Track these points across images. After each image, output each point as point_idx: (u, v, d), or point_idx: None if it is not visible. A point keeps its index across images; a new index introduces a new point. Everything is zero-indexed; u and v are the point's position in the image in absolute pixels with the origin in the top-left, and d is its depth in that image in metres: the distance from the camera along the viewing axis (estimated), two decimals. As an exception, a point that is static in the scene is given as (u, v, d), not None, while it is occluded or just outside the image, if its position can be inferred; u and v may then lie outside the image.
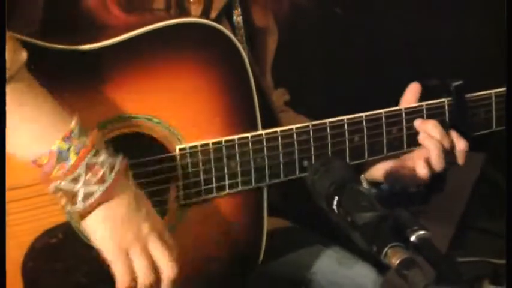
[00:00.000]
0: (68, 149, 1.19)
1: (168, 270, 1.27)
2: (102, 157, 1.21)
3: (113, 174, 1.21)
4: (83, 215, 1.22)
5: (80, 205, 1.21)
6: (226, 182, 1.41)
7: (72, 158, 1.19)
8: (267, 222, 1.48)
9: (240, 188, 1.43)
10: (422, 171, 1.52)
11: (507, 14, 1.49)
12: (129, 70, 1.34)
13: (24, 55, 1.20)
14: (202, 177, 1.40)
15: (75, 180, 1.20)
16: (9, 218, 1.26)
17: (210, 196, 1.41)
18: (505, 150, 1.52)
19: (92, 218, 1.23)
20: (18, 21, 1.31)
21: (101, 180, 1.20)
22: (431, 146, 1.52)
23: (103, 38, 1.33)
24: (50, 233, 1.30)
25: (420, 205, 1.73)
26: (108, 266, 1.27)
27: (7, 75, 1.17)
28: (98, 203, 1.22)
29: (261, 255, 1.48)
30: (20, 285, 1.29)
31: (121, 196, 1.24)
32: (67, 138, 1.19)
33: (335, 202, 1.17)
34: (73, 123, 1.20)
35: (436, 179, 1.60)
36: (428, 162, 1.53)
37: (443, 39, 2.82)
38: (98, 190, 1.21)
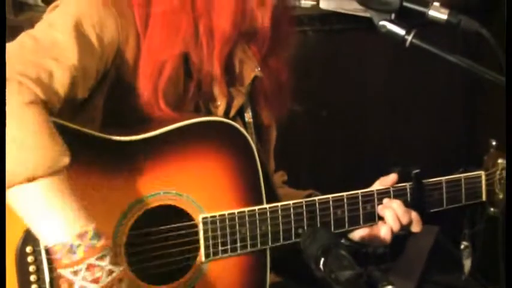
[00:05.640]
0: (79, 246, 1.26)
1: None
2: (104, 262, 1.28)
3: (108, 279, 1.29)
4: None
5: None
6: (238, 245, 1.57)
7: (79, 255, 1.26)
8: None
9: (248, 249, 1.59)
10: (386, 235, 1.71)
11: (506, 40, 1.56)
12: (165, 155, 1.50)
13: (67, 160, 1.28)
14: (219, 240, 1.54)
15: (75, 273, 1.27)
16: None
17: (225, 255, 1.56)
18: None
19: None
20: (80, 121, 1.42)
21: (96, 281, 1.28)
22: (389, 218, 1.70)
23: (148, 129, 1.49)
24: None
25: (386, 262, 1.98)
26: None
27: (49, 171, 1.24)
28: None
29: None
30: None
31: None
32: (81, 235, 1.27)
33: (322, 262, 1.29)
34: (91, 227, 1.28)
35: (397, 243, 1.78)
36: (390, 229, 1.70)
37: (408, 139, 3.15)
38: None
